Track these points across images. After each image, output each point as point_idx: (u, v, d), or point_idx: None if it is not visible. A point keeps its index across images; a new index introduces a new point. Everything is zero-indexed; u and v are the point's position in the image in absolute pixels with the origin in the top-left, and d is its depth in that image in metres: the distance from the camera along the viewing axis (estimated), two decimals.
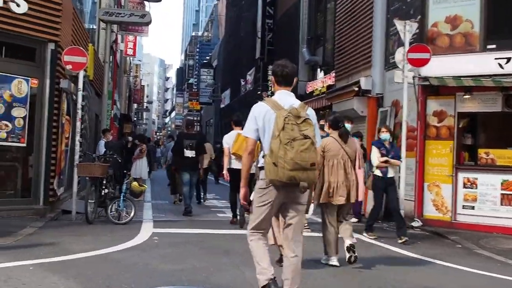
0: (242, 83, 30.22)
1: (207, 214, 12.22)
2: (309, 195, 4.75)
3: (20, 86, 10.12)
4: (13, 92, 10.03)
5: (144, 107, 64.60)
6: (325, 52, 19.19)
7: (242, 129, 9.15)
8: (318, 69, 18.98)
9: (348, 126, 9.41)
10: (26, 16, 10.00)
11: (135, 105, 60.03)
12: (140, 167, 14.90)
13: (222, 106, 39.69)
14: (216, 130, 42.17)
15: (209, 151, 14.62)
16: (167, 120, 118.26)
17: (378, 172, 9.40)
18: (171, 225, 10.06)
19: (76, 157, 10.44)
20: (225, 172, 10.21)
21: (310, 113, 4.61)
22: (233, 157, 9.90)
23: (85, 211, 9.53)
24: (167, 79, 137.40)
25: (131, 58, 44.47)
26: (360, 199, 7.26)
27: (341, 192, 6.70)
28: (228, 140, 10.18)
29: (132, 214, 9.91)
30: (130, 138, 15.48)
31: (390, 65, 13.25)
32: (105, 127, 16.32)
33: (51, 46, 10.57)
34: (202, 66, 50.77)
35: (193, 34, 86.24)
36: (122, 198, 9.93)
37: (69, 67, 10.33)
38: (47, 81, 10.50)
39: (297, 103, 4.65)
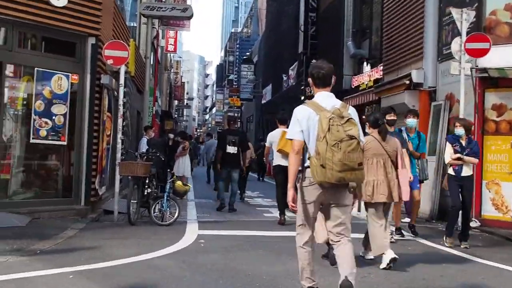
0: (284, 78, 29.64)
1: (254, 214, 11.76)
2: (358, 194, 4.77)
3: (60, 82, 9.82)
4: (53, 88, 9.74)
5: (185, 104, 64.63)
6: (371, 45, 18.49)
7: (287, 127, 10.00)
8: (364, 63, 18.30)
9: (413, 121, 9.59)
10: (66, 9, 9.69)
11: (175, 102, 60.13)
12: (183, 164, 14.52)
13: (263, 102, 39.16)
14: (257, 127, 41.71)
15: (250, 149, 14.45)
16: (207, 116, 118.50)
17: (451, 171, 8.63)
18: (217, 226, 9.64)
19: (118, 155, 10.10)
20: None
21: (352, 112, 4.65)
22: (278, 154, 10.04)
23: (127, 212, 9.16)
24: (207, 76, 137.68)
25: (171, 54, 44.44)
26: (405, 199, 7.06)
27: (382, 190, 6.62)
28: (271, 138, 10.46)
29: (176, 214, 9.51)
30: (171, 135, 15.11)
31: (443, 56, 12.54)
32: (147, 124, 16.01)
33: (92, 40, 10.24)
34: (243, 62, 50.28)
35: (233, 30, 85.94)
36: (165, 198, 9.54)
37: (110, 61, 9.99)
38: (88, 77, 10.19)
39: (338, 103, 4.68)
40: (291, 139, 4.67)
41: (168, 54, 40.78)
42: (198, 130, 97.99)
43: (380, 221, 6.64)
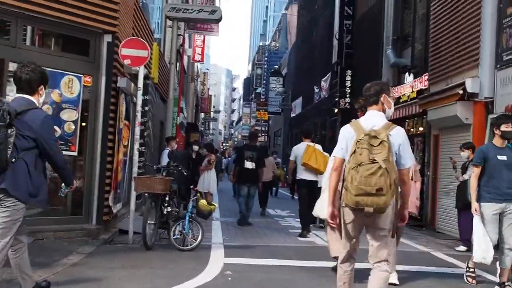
0: (316, 90, 28.31)
1: (286, 237, 10.41)
2: (395, 222, 4.53)
3: (71, 85, 8.62)
4: (62, 91, 8.52)
5: (211, 117, 63.60)
6: (414, 52, 17.06)
7: (311, 140, 10.29)
8: (406, 73, 16.87)
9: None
10: (78, 2, 8.51)
11: (202, 115, 59.15)
12: (209, 180, 13.27)
13: (292, 115, 37.87)
14: (286, 140, 40.36)
15: (271, 165, 14.94)
16: (233, 130, 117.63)
17: None
18: (245, 253, 8.32)
19: (135, 169, 8.87)
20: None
21: (395, 132, 4.51)
22: (302, 168, 10.14)
23: (143, 234, 7.89)
24: (233, 89, 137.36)
25: (198, 65, 43.47)
26: (411, 210, 6.32)
27: None
28: (296, 151, 10.45)
29: (199, 238, 8.22)
30: (196, 148, 13.87)
31: (503, 63, 11.11)
32: (169, 135, 14.80)
33: (108, 38, 9.05)
34: (272, 74, 49.14)
35: (261, 44, 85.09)
36: (187, 218, 8.26)
37: (127, 61, 8.78)
38: (103, 79, 8.98)
39: (380, 123, 4.56)
40: (334, 157, 4.69)
41: (195, 64, 39.80)
42: (224, 144, 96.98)
43: None
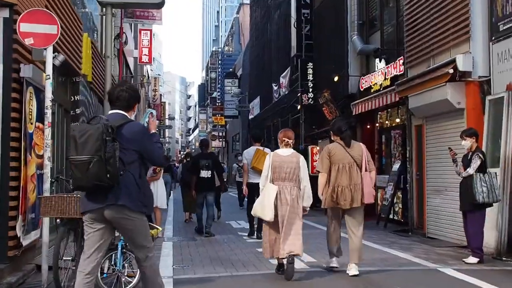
0: (275, 88, 26.32)
1: (255, 261, 8.29)
2: None
3: None
4: None
5: (166, 125, 61.01)
6: (383, 37, 15.25)
7: (261, 144, 10.83)
8: (376, 60, 15.01)
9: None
10: None
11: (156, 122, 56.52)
12: (155, 192, 11.05)
13: (250, 117, 35.81)
14: (244, 145, 38.18)
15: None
16: (190, 138, 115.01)
17: None
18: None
19: (46, 186, 6.63)
20: (244, 187, 10.85)
21: None
22: (252, 171, 10.41)
23: (54, 276, 5.67)
24: (189, 97, 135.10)
25: (148, 70, 41.04)
26: (367, 201, 7.06)
27: (345, 196, 6.92)
28: (247, 155, 10.70)
29: (137, 276, 6.02)
30: None
31: (500, 34, 9.32)
32: None
33: (4, 13, 6.79)
34: (226, 77, 47.03)
35: (214, 49, 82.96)
36: (120, 249, 6.06)
37: (29, 41, 6.52)
38: None
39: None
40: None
41: (145, 69, 37.38)
42: (182, 153, 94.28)
43: (337, 226, 7.26)
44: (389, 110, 14.98)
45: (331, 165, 7.03)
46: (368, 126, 16.21)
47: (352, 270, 6.95)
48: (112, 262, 6.10)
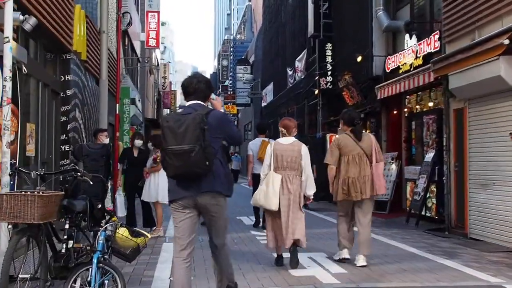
0: (290, 72, 24.73)
1: (270, 270, 6.78)
2: None
3: None
4: None
5: None
6: (413, 10, 13.65)
7: (266, 136, 10.95)
8: (406, 36, 13.39)
9: None
10: None
11: (167, 111, 55.26)
12: (156, 185, 9.62)
13: (263, 104, 34.26)
14: (256, 134, 36.73)
15: None
16: None
17: None
18: None
19: (5, 179, 5.16)
20: (249, 178, 11.18)
21: None
22: (258, 162, 10.28)
23: None
24: None
25: (157, 56, 39.61)
26: (380, 193, 7.07)
27: (356, 187, 6.85)
28: (253, 147, 10.71)
29: None
30: (139, 142, 10.18)
31: None
32: (99, 128, 11.05)
33: None
34: (238, 63, 45.45)
35: (226, 37, 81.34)
36: (95, 263, 4.57)
37: None
38: None
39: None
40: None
41: (154, 56, 35.93)
42: None
43: (347, 218, 7.09)
44: (419, 93, 13.41)
45: (341, 157, 6.97)
46: (395, 112, 14.63)
47: (360, 261, 6.79)
48: (86, 280, 4.62)
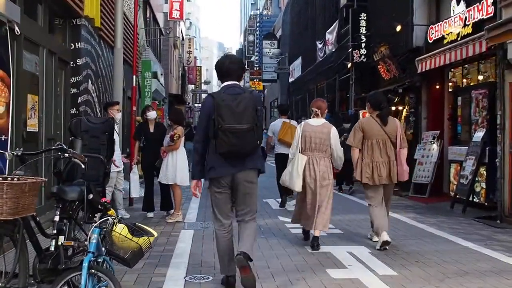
0: (319, 46, 23.45)
1: (304, 267, 5.75)
2: None
3: None
4: None
5: (202, 89, 58.55)
6: None
7: (287, 117, 11.08)
8: (452, 2, 12.09)
9: None
10: None
11: (191, 87, 54.34)
12: (174, 165, 8.64)
13: (291, 80, 33.01)
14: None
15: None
16: None
17: None
18: None
19: None
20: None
21: None
22: (278, 143, 10.55)
23: None
24: None
25: (182, 30, 38.54)
26: (402, 179, 6.88)
27: (380, 172, 6.74)
28: (273, 128, 10.80)
29: None
30: (152, 115, 9.21)
31: None
32: (112, 101, 10.04)
33: None
34: (265, 38, 44.03)
35: (252, 13, 79.86)
36: (86, 268, 3.58)
37: None
38: None
39: None
40: None
41: (178, 30, 34.86)
42: None
43: (378, 202, 6.83)
44: (466, 66, 12.14)
45: (364, 140, 6.86)
46: (437, 87, 13.36)
47: (380, 242, 6.60)
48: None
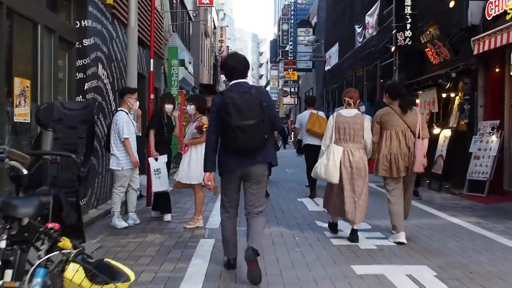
0: (358, 30, 21.84)
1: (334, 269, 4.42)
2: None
3: None
4: None
5: None
6: None
7: (314, 108, 11.38)
8: None
9: None
10: None
11: (223, 77, 53.22)
12: (197, 162, 7.31)
13: (327, 68, 31.41)
14: (319, 100, 33.84)
15: None
16: None
17: None
18: None
19: None
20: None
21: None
22: (307, 134, 10.71)
23: None
24: (260, 54, 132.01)
25: (214, 18, 37.29)
26: (417, 170, 6.61)
27: (398, 164, 6.62)
28: (301, 119, 11.06)
29: None
30: (169, 107, 8.02)
31: None
32: (127, 87, 8.78)
33: None
34: (299, 26, 42.44)
35: (286, 3, 78.39)
36: None
37: None
38: None
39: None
40: None
41: (209, 16, 33.60)
42: None
43: (397, 197, 6.67)
44: None
45: (382, 131, 6.73)
46: (497, 70, 11.76)
47: (400, 238, 6.51)
48: None
